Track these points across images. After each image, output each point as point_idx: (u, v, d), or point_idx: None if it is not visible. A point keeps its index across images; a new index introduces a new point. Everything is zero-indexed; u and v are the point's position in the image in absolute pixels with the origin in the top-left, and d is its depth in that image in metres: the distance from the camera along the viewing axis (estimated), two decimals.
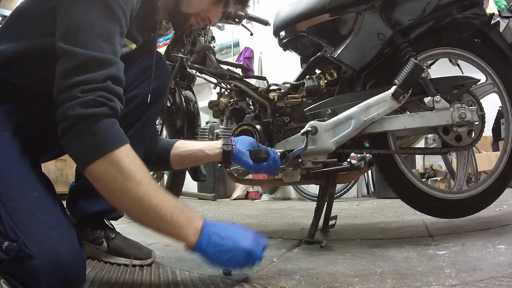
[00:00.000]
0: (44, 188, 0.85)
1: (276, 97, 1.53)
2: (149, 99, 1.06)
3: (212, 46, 1.81)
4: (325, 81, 1.45)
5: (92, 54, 0.74)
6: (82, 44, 0.74)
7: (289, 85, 1.53)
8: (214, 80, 1.67)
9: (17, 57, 0.88)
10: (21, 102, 0.94)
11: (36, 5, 0.90)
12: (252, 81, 1.79)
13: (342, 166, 1.37)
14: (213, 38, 1.90)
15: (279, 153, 1.27)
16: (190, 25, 1.04)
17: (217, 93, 1.72)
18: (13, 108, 0.91)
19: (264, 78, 1.78)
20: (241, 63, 4.21)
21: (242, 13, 1.74)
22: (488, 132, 3.21)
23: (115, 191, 0.77)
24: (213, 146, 1.24)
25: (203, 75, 1.72)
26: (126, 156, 0.75)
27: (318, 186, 1.45)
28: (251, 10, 1.73)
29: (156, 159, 1.26)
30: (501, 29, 1.39)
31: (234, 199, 3.78)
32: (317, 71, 1.52)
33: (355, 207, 2.65)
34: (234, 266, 0.89)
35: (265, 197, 3.77)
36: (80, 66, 0.73)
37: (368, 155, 1.43)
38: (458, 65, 1.53)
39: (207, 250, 0.82)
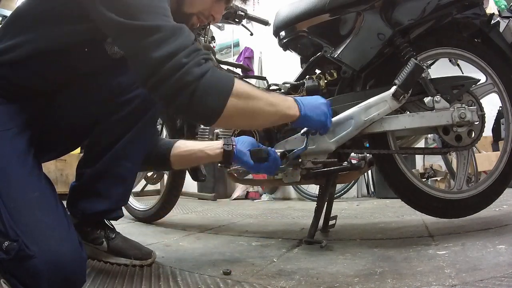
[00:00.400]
0: (45, 188, 0.85)
1: None
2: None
3: (212, 46, 1.81)
4: (325, 81, 1.45)
5: (171, 24, 0.80)
6: (155, 21, 0.78)
7: (289, 85, 1.53)
8: None
9: (18, 57, 0.89)
10: (22, 102, 0.94)
11: (37, 5, 0.90)
12: (252, 81, 1.79)
13: (342, 166, 1.37)
14: (213, 38, 1.89)
15: (279, 153, 1.27)
16: (192, 25, 1.04)
17: None
18: (14, 108, 0.91)
19: (264, 78, 1.78)
20: (241, 63, 4.21)
21: (242, 13, 1.74)
22: (488, 132, 3.20)
23: (252, 113, 0.89)
24: (213, 146, 1.24)
25: None
26: (242, 83, 0.87)
27: (318, 186, 1.45)
28: (251, 10, 1.73)
29: (156, 159, 1.26)
30: (501, 29, 1.39)
31: (234, 199, 3.77)
32: (317, 71, 1.52)
33: (355, 207, 2.65)
34: (324, 119, 1.08)
35: (265, 197, 3.77)
36: (167, 36, 0.77)
37: (368, 155, 1.43)
38: (458, 65, 1.52)
39: (306, 113, 1.02)
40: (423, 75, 1.28)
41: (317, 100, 1.09)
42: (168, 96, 0.79)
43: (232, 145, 1.21)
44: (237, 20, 1.76)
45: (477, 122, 1.29)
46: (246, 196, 3.86)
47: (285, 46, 1.60)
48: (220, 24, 2.01)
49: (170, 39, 0.77)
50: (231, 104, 0.82)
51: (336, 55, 1.39)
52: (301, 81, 1.50)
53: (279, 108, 0.96)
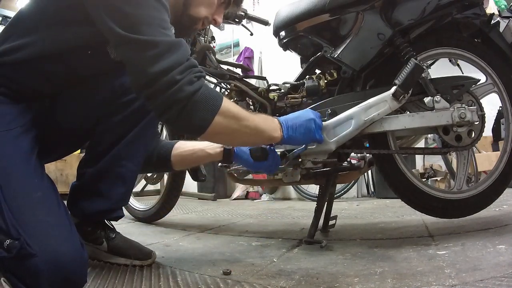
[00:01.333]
0: (48, 188, 0.86)
1: (276, 97, 1.53)
2: None
3: (212, 46, 1.81)
4: (325, 81, 1.45)
5: (168, 40, 0.81)
6: (152, 35, 0.80)
7: (289, 85, 1.53)
8: (214, 80, 1.67)
9: (22, 58, 0.89)
10: (26, 102, 0.94)
11: (42, 7, 0.90)
12: (252, 81, 1.79)
13: (342, 166, 1.37)
14: (213, 38, 1.89)
15: (279, 153, 1.28)
16: (196, 28, 1.06)
17: None
18: (18, 108, 0.92)
19: (264, 78, 1.78)
20: (241, 63, 4.21)
21: (242, 13, 1.74)
22: (488, 132, 3.20)
23: (235, 132, 0.93)
24: (214, 146, 1.25)
25: None
26: (229, 103, 0.91)
27: (318, 186, 1.45)
28: (251, 10, 1.73)
29: (157, 160, 1.27)
30: (501, 29, 1.39)
31: (234, 199, 3.77)
32: (317, 71, 1.52)
33: (355, 207, 2.65)
34: (310, 135, 1.11)
35: (265, 197, 3.76)
36: (164, 52, 0.79)
37: (368, 155, 1.43)
38: (458, 65, 1.52)
39: (289, 134, 1.05)
40: (423, 75, 1.28)
41: (303, 117, 1.11)
42: (159, 109, 0.83)
43: None
44: (237, 20, 1.76)
45: (477, 122, 1.29)
46: (246, 196, 3.86)
47: (285, 46, 1.60)
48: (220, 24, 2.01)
49: (165, 55, 0.79)
50: (216, 122, 0.86)
51: (336, 55, 1.39)
52: (301, 81, 1.50)
53: (264, 129, 1.00)
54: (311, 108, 1.39)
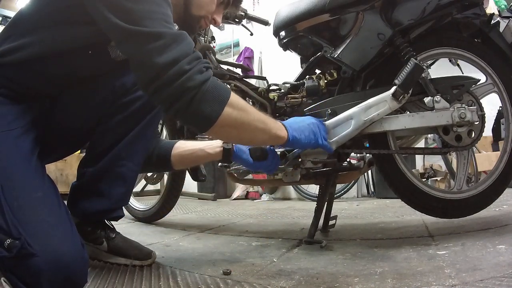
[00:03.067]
0: (48, 188, 0.86)
1: (276, 97, 1.53)
2: None
3: (212, 46, 1.81)
4: (325, 81, 1.45)
5: (172, 31, 0.81)
6: (156, 28, 0.79)
7: (289, 85, 1.53)
8: None
9: (22, 58, 0.89)
10: (27, 103, 0.95)
11: (41, 7, 0.90)
12: (252, 81, 1.79)
13: (342, 166, 1.37)
14: (213, 38, 1.89)
15: (279, 153, 1.28)
16: (200, 27, 1.06)
17: None
18: (19, 109, 0.92)
19: (264, 78, 1.78)
20: (241, 63, 4.21)
21: (242, 13, 1.74)
22: (488, 132, 3.20)
23: (244, 125, 0.90)
24: (213, 145, 1.25)
25: None
26: (236, 97, 0.89)
27: (318, 186, 1.45)
28: (251, 10, 1.73)
29: (157, 160, 1.27)
30: (501, 29, 1.39)
31: (234, 199, 3.77)
32: (317, 71, 1.52)
33: (355, 207, 2.65)
34: (315, 139, 1.10)
35: (265, 197, 3.76)
36: (169, 43, 0.79)
37: (368, 155, 1.43)
38: (458, 65, 1.52)
39: (294, 135, 1.03)
40: (423, 75, 1.27)
41: (306, 121, 1.10)
42: (168, 100, 0.81)
43: (232, 143, 1.22)
44: (237, 20, 1.76)
45: (477, 122, 1.29)
46: (246, 196, 3.86)
47: (285, 46, 1.60)
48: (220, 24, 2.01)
49: (172, 46, 0.78)
50: (226, 113, 0.83)
51: (336, 55, 1.39)
52: (301, 81, 1.50)
53: (270, 127, 0.97)
54: (310, 109, 1.40)
